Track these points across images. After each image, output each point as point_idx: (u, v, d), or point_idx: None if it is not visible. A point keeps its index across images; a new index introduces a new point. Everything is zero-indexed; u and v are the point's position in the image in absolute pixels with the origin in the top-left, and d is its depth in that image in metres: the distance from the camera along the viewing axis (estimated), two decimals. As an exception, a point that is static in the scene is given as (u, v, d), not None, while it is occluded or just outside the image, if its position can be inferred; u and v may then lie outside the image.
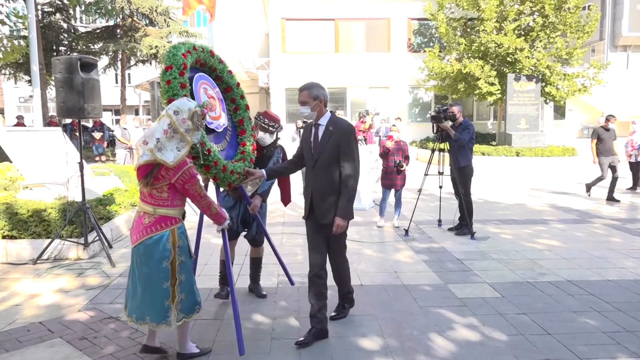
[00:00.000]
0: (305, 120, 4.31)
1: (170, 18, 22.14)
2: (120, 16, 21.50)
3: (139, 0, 20.76)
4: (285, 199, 4.63)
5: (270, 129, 4.25)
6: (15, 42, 12.67)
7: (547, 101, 18.98)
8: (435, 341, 3.56)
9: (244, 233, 4.44)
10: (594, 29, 17.69)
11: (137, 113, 36.25)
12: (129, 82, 28.83)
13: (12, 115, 29.47)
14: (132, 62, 23.01)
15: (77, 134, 7.19)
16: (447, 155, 7.00)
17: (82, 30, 22.80)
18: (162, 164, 2.89)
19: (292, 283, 4.66)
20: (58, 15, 20.69)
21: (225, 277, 4.31)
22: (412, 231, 6.94)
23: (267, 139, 4.29)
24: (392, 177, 7.26)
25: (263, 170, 3.86)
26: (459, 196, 6.82)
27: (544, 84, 17.60)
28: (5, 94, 36.14)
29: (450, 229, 7.02)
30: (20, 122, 19.12)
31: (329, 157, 3.51)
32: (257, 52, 26.66)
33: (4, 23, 12.26)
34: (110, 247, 6.01)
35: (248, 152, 4.06)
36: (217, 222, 3.31)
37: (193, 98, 3.46)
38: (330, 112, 3.65)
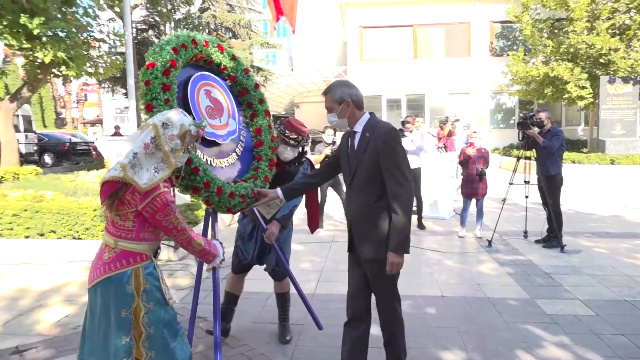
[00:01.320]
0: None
1: (252, 30, 22.98)
2: (207, 30, 22.63)
3: (223, 15, 21.77)
4: (313, 223, 3.92)
5: (292, 142, 3.54)
6: (113, 58, 13.76)
7: (646, 105, 17.54)
8: (522, 358, 3.40)
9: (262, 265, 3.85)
10: (702, 25, 16.14)
11: (220, 122, 37.88)
12: (213, 93, 30.18)
13: (110, 125, 31.93)
14: (217, 73, 24.09)
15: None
16: (533, 163, 6.68)
17: (172, 45, 24.19)
18: (130, 185, 2.29)
19: (319, 327, 3.84)
20: (151, 32, 22.16)
21: (227, 314, 3.83)
22: (496, 242, 6.67)
23: (288, 153, 3.60)
24: (474, 186, 7.04)
25: (277, 190, 3.16)
26: (547, 206, 6.48)
27: (642, 86, 16.29)
28: (103, 105, 39.32)
29: (537, 241, 6.68)
30: (117, 132, 20.64)
31: (367, 172, 2.76)
32: (335, 61, 26.97)
33: (104, 42, 13.35)
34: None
35: (263, 169, 3.41)
36: (205, 260, 2.66)
37: (186, 104, 2.95)
38: (370, 113, 2.90)
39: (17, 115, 18.11)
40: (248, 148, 3.48)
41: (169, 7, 18.82)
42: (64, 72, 12.18)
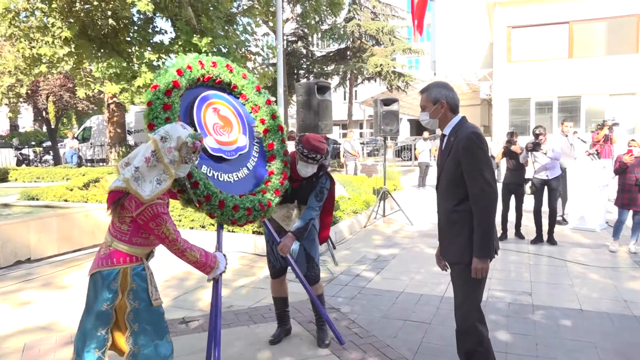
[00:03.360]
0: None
1: (394, 37, 23.28)
2: (351, 39, 23.48)
3: (367, 23, 22.41)
4: (322, 234, 3.89)
5: (310, 161, 3.47)
6: (266, 69, 15.11)
7: None
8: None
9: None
10: None
11: (361, 127, 38.90)
12: (355, 99, 31.11)
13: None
14: (359, 80, 24.85)
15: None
16: None
17: (318, 54, 25.58)
18: (129, 194, 2.46)
19: (341, 342, 3.73)
20: (299, 43, 23.68)
21: (282, 317, 3.90)
22: (654, 259, 6.06)
23: (307, 170, 3.54)
24: (631, 196, 6.44)
25: None
26: None
27: None
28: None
29: None
30: (291, 137, 22.57)
31: (450, 176, 2.79)
32: (480, 64, 26.01)
33: (259, 54, 14.72)
34: (334, 247, 6.74)
35: (274, 183, 3.45)
36: (202, 271, 2.74)
37: (192, 123, 3.04)
38: (462, 117, 2.88)
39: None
40: (261, 163, 3.54)
41: (317, 19, 19.94)
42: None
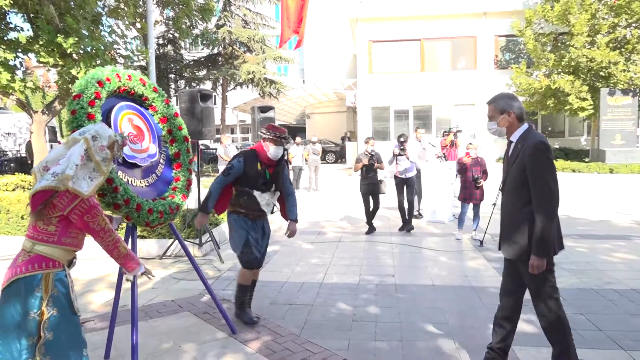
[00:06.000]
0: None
1: (265, 45, 23.95)
2: (222, 45, 23.64)
3: (238, 30, 22.78)
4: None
5: (282, 141, 4.07)
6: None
7: (647, 116, 18.13)
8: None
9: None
10: (699, 39, 16.73)
11: (233, 132, 38.99)
12: (227, 104, 31.22)
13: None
14: (232, 86, 25.09)
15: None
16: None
17: (189, 58, 25.28)
18: (57, 192, 2.43)
19: (233, 332, 4.08)
20: (169, 47, 23.21)
21: (243, 304, 4.34)
22: (487, 242, 7.36)
23: (278, 151, 4.10)
24: (470, 192, 7.73)
25: None
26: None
27: (641, 98, 16.89)
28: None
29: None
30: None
31: (515, 180, 3.03)
32: (346, 73, 27.82)
33: (130, 57, 14.30)
34: (219, 247, 7.07)
35: (180, 188, 3.83)
36: (129, 266, 2.70)
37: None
38: (529, 125, 3.12)
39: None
40: (168, 170, 3.88)
41: (188, 23, 19.81)
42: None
